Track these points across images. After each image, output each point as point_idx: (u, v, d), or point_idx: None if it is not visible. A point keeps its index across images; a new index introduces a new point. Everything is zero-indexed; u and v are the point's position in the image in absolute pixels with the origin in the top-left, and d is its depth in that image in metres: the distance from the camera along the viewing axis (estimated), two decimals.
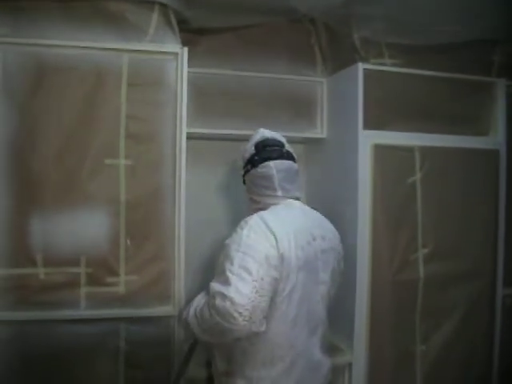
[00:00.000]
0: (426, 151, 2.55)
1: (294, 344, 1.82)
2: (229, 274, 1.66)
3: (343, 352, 2.48)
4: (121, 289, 2.18)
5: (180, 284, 2.23)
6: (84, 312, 2.14)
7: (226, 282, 1.66)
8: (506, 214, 2.73)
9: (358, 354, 2.47)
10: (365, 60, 2.48)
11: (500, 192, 2.71)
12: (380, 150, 2.47)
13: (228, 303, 1.61)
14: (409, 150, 2.53)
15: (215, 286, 1.70)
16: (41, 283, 2.10)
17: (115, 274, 2.17)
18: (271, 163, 1.94)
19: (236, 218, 2.70)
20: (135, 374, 2.21)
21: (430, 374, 2.59)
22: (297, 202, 2.00)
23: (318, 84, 2.81)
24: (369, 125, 2.46)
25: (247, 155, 2.02)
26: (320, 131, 2.81)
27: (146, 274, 2.20)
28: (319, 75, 2.82)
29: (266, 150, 1.98)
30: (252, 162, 1.99)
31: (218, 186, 2.84)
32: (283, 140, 2.06)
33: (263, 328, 1.73)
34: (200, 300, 1.83)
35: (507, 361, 2.76)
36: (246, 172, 2.02)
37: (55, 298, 2.11)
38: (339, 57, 2.66)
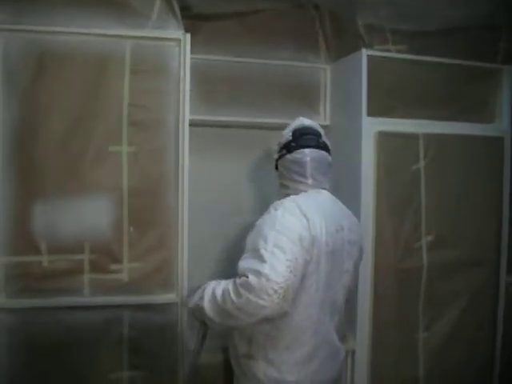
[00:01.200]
0: (431, 138, 2.54)
1: (319, 329, 1.85)
2: (263, 252, 1.67)
3: (346, 339, 2.47)
4: (124, 276, 2.18)
5: (183, 271, 2.23)
6: (88, 299, 2.15)
7: (260, 259, 1.67)
8: (510, 201, 2.72)
9: (361, 341, 2.48)
10: (369, 46, 2.46)
11: (504, 180, 2.70)
12: (384, 137, 2.46)
13: (263, 280, 1.62)
14: (413, 137, 2.52)
15: (246, 263, 1.71)
16: (44, 270, 2.10)
17: (118, 261, 2.17)
18: (306, 150, 1.95)
19: (240, 206, 2.72)
20: (139, 360, 2.22)
21: (432, 361, 2.60)
22: (326, 192, 2.02)
23: (322, 71, 2.79)
24: (372, 112, 2.45)
25: (283, 140, 2.03)
26: (323, 118, 2.80)
27: (150, 262, 2.21)
28: (323, 62, 2.80)
29: (303, 138, 1.99)
30: (288, 148, 1.99)
31: (221, 173, 2.82)
32: (321, 130, 2.07)
33: (291, 309, 1.75)
34: (217, 285, 1.82)
35: (510, 348, 2.77)
36: (281, 157, 2.02)
37: (59, 285, 2.12)
38: (343, 43, 2.64)
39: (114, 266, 2.17)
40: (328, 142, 2.06)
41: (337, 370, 1.96)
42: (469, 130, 2.62)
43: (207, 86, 2.55)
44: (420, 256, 2.54)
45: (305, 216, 1.77)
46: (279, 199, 1.94)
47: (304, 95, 2.76)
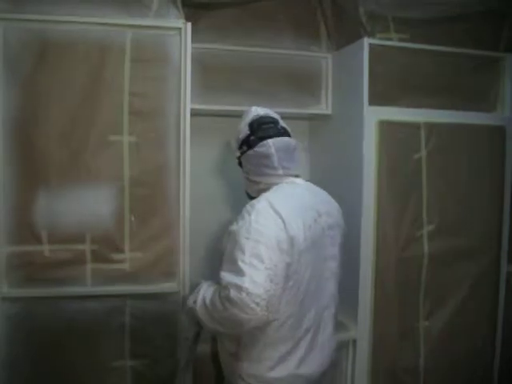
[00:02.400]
0: (432, 127, 2.53)
1: (300, 324, 1.82)
2: (241, 264, 1.63)
3: (347, 328, 2.49)
4: (126, 265, 2.19)
5: (185, 261, 2.23)
6: (89, 289, 2.16)
7: (239, 272, 1.62)
8: (511, 190, 2.71)
9: (363, 330, 2.48)
10: (371, 35, 2.44)
11: (506, 168, 2.70)
12: (385, 126, 2.45)
13: (244, 294, 1.59)
14: (415, 126, 2.51)
15: (227, 276, 1.66)
16: (46, 260, 2.11)
17: (120, 250, 2.18)
18: (269, 141, 1.87)
19: (240, 196, 2.72)
20: (141, 349, 2.23)
21: (433, 350, 2.61)
22: (299, 180, 1.97)
23: (323, 59, 2.77)
24: (374, 101, 2.44)
25: (242, 136, 1.95)
26: (325, 107, 2.79)
27: (151, 251, 2.21)
28: (324, 50, 2.78)
29: (262, 129, 1.91)
30: (248, 143, 1.91)
31: (222, 162, 2.83)
32: (277, 116, 2.00)
33: (278, 315, 1.73)
34: (207, 289, 1.81)
35: (511, 337, 2.77)
36: (243, 153, 1.94)
37: (60, 275, 2.12)
38: (345, 32, 2.62)
39: (115, 256, 2.17)
40: (286, 126, 1.98)
41: (324, 362, 1.93)
42: (470, 118, 2.61)
43: (208, 75, 2.54)
44: (421, 245, 2.54)
45: (280, 216, 1.72)
46: (252, 195, 1.95)
47: (306, 84, 2.75)
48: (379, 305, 2.49)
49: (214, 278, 1.87)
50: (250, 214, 1.73)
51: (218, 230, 2.67)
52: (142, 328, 2.22)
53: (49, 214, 2.11)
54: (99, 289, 2.16)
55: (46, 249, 2.11)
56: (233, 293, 1.61)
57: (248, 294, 1.59)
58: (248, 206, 1.79)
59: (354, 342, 2.50)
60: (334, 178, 2.63)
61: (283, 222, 1.72)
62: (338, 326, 2.38)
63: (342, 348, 2.47)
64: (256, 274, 1.61)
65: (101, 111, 2.14)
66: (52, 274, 2.12)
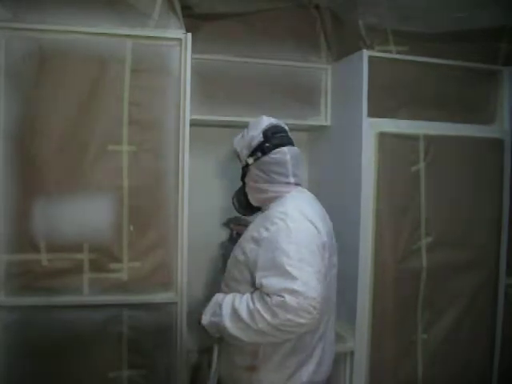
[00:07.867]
0: (431, 139, 2.53)
1: (318, 330, 1.82)
2: (289, 268, 1.62)
3: (345, 340, 2.48)
4: (123, 275, 2.19)
5: (182, 271, 2.23)
6: (87, 298, 2.16)
7: (290, 276, 1.61)
8: (510, 203, 2.72)
9: (360, 341, 2.47)
10: (370, 47, 2.45)
11: (504, 181, 2.70)
12: (384, 138, 2.46)
13: (301, 298, 1.57)
14: (413, 138, 2.51)
15: (275, 282, 1.63)
16: (44, 269, 2.11)
17: (118, 260, 2.18)
18: (285, 149, 1.91)
19: None
20: (138, 359, 2.23)
21: (431, 363, 2.60)
22: (306, 190, 1.99)
23: (323, 71, 2.79)
24: (373, 112, 2.44)
25: (255, 143, 1.94)
26: (324, 119, 2.79)
27: (149, 261, 2.21)
28: (324, 62, 2.79)
29: (276, 137, 1.93)
30: (262, 150, 1.92)
31: (221, 173, 2.83)
32: (286, 127, 2.03)
33: None
34: (235, 301, 1.73)
35: (509, 350, 2.76)
36: (256, 160, 1.93)
37: (58, 284, 2.12)
38: (344, 44, 2.64)
39: (113, 266, 2.17)
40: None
41: (330, 369, 1.95)
42: (469, 131, 2.62)
43: (208, 85, 2.55)
44: (419, 257, 2.53)
45: (312, 223, 1.74)
46: (254, 204, 1.97)
47: (305, 95, 2.76)
48: (377, 317, 2.48)
49: (215, 288, 1.86)
50: (284, 220, 1.73)
51: (218, 240, 2.68)
52: (139, 338, 2.21)
53: (47, 224, 2.12)
54: (96, 298, 2.16)
55: (44, 258, 2.11)
56: (289, 298, 1.57)
57: (305, 298, 1.57)
58: (277, 213, 1.78)
59: (352, 353, 2.48)
60: (333, 190, 2.63)
61: (316, 228, 1.74)
62: (336, 337, 2.39)
63: (340, 360, 2.46)
64: (308, 278, 1.60)
65: (100, 121, 2.15)
66: (49, 282, 2.12)
